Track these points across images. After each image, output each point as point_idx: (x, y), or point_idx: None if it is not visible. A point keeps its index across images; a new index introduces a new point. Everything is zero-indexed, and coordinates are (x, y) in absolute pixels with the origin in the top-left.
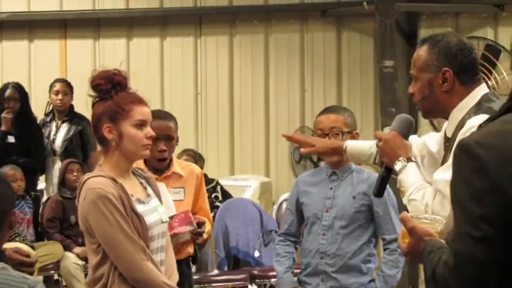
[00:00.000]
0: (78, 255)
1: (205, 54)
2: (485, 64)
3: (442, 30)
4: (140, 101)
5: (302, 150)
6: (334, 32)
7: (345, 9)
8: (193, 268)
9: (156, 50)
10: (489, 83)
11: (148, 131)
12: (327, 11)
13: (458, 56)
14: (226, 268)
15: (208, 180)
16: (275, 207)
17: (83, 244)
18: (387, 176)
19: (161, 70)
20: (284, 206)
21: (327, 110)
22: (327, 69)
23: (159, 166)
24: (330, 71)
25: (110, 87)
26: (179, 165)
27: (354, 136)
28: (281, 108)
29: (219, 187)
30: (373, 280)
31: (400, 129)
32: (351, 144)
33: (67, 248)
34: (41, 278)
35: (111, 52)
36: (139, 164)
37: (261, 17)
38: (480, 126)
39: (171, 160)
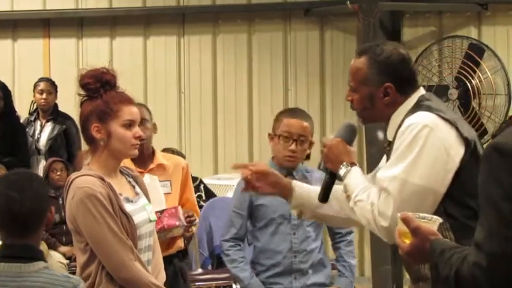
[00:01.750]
0: (64, 255)
1: (188, 53)
2: (469, 63)
3: (426, 29)
4: (129, 101)
5: (243, 188)
6: (317, 31)
7: (328, 8)
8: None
9: (139, 49)
10: (473, 82)
11: (137, 130)
12: (310, 10)
13: (398, 69)
14: (210, 267)
15: (192, 179)
16: None
17: (67, 243)
18: (332, 182)
19: (144, 69)
20: None
21: (296, 115)
22: (310, 68)
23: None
24: (313, 70)
25: (99, 86)
26: (164, 157)
27: (311, 143)
28: (264, 107)
29: (202, 186)
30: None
31: (343, 135)
32: (298, 188)
33: (52, 247)
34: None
35: (95, 51)
36: (126, 161)
37: (244, 16)
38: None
39: (154, 152)
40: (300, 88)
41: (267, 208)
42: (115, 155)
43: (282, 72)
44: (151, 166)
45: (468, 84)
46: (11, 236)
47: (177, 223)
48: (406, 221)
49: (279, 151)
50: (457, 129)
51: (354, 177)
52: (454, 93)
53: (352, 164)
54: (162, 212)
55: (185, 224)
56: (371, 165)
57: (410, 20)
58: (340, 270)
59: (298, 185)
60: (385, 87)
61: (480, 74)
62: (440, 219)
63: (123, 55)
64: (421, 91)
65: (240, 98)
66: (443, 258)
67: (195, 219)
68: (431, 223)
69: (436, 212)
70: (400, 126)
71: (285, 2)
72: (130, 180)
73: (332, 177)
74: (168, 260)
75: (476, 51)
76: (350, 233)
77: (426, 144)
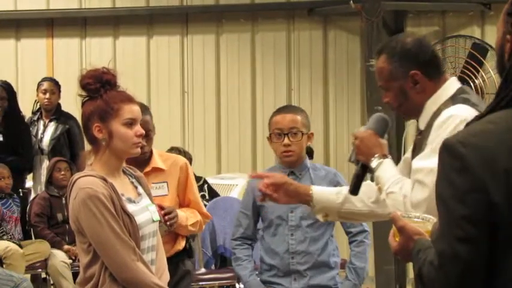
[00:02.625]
0: (68, 252)
1: (191, 53)
2: (472, 63)
3: (429, 29)
4: (130, 100)
5: (261, 199)
6: (320, 30)
7: (331, 8)
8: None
9: (143, 49)
10: (476, 81)
11: (138, 129)
12: (313, 9)
13: (420, 55)
14: (213, 267)
15: (196, 179)
16: None
17: (70, 243)
18: (362, 174)
19: (148, 69)
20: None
21: (282, 110)
22: (314, 68)
23: (137, 157)
24: (316, 70)
25: (99, 86)
26: (161, 158)
27: (309, 136)
28: (267, 106)
29: (206, 186)
30: (338, 273)
31: (375, 128)
32: (317, 192)
33: (56, 246)
34: (28, 276)
35: (98, 51)
36: None
37: (247, 16)
38: (467, 125)
39: (151, 154)
40: (303, 87)
41: (267, 209)
42: (117, 154)
43: (286, 71)
44: (147, 169)
45: (471, 83)
46: None
47: None
48: (393, 219)
49: (276, 150)
50: None
51: (386, 169)
52: None
53: (384, 156)
54: None
55: (162, 220)
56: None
57: (414, 19)
58: (346, 273)
59: (316, 190)
60: (411, 75)
61: (483, 74)
62: (434, 219)
63: (127, 55)
64: (457, 81)
65: (244, 97)
66: (417, 258)
67: (174, 216)
68: (422, 223)
69: None
70: (434, 114)
71: (289, 1)
72: (133, 180)
73: (363, 169)
74: (169, 262)
75: (479, 51)
76: (362, 232)
77: None
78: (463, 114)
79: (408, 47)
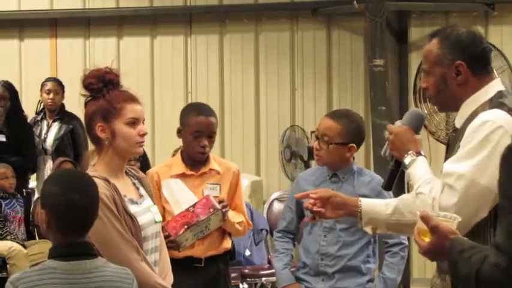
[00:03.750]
0: None
1: (195, 53)
2: None
3: (433, 29)
4: (132, 99)
5: (311, 218)
6: (324, 30)
7: (335, 8)
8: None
9: (146, 49)
10: None
11: (141, 128)
12: (317, 10)
13: (470, 48)
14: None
15: None
16: (266, 206)
17: None
18: (396, 170)
19: (151, 69)
20: (275, 204)
21: (331, 113)
22: (317, 68)
23: (200, 158)
24: (320, 70)
25: (102, 85)
26: (216, 161)
27: (350, 149)
28: (271, 107)
29: None
30: (371, 280)
31: (411, 123)
32: (365, 203)
33: None
34: None
35: (102, 51)
36: (177, 160)
37: (251, 16)
38: None
39: (208, 157)
40: (307, 88)
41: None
42: (120, 153)
43: (289, 72)
44: (204, 170)
45: None
46: (72, 236)
47: (211, 210)
48: (425, 219)
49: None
50: None
51: (419, 167)
52: None
53: (418, 154)
54: (194, 205)
55: (219, 208)
56: (378, 166)
57: (417, 19)
58: (376, 282)
59: (364, 201)
60: (456, 65)
61: None
62: (459, 218)
63: (130, 55)
64: (499, 84)
65: (247, 97)
66: (463, 258)
67: (227, 204)
68: (451, 222)
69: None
70: (472, 115)
71: (292, 1)
72: (135, 181)
73: (397, 165)
74: (212, 261)
75: None
76: (399, 244)
77: (498, 146)
78: (499, 121)
79: (462, 37)
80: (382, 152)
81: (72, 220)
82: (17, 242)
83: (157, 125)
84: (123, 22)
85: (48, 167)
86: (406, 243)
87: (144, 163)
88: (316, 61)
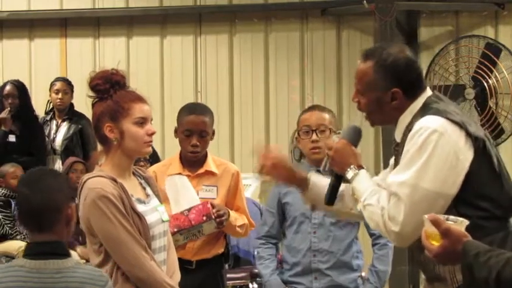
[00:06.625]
0: (80, 254)
1: (205, 52)
2: (486, 63)
3: (442, 28)
4: (139, 99)
5: (264, 178)
6: (334, 30)
7: (344, 8)
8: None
9: (156, 49)
10: (489, 81)
11: (149, 128)
12: (326, 9)
13: (406, 74)
14: (226, 266)
15: None
16: None
17: (83, 243)
18: (338, 184)
19: (161, 69)
20: None
21: (309, 109)
22: (327, 68)
23: (191, 158)
24: (330, 70)
25: (109, 86)
26: (214, 163)
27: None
28: (281, 106)
29: None
30: (361, 276)
31: (349, 138)
32: (314, 180)
33: (70, 247)
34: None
35: (111, 51)
36: (175, 160)
37: (260, 16)
38: None
39: (205, 157)
40: (316, 88)
41: (291, 206)
42: (128, 153)
43: (299, 72)
44: (200, 171)
45: (485, 83)
46: (35, 233)
47: (205, 218)
48: (436, 222)
49: (304, 147)
50: (466, 130)
51: (362, 180)
52: (470, 92)
53: (360, 167)
54: (190, 209)
55: (213, 218)
56: (388, 166)
57: (427, 19)
58: (368, 275)
59: (314, 180)
60: (392, 92)
61: (497, 74)
62: (466, 221)
63: (140, 55)
64: (428, 92)
65: (257, 97)
66: (479, 261)
67: (224, 213)
68: (458, 225)
69: (449, 214)
70: (407, 127)
71: (302, 1)
72: (142, 181)
73: (338, 180)
74: (204, 263)
75: (493, 51)
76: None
77: (436, 149)
78: (432, 125)
79: (397, 64)
80: (322, 167)
81: (26, 215)
82: (26, 242)
83: (167, 125)
84: (132, 22)
85: (57, 167)
86: None
87: (155, 163)
88: (326, 61)
